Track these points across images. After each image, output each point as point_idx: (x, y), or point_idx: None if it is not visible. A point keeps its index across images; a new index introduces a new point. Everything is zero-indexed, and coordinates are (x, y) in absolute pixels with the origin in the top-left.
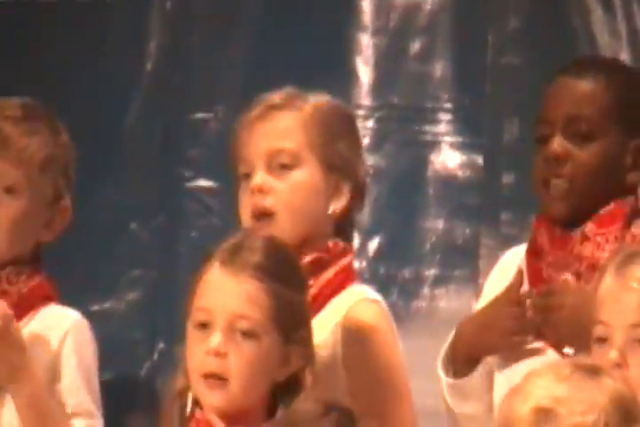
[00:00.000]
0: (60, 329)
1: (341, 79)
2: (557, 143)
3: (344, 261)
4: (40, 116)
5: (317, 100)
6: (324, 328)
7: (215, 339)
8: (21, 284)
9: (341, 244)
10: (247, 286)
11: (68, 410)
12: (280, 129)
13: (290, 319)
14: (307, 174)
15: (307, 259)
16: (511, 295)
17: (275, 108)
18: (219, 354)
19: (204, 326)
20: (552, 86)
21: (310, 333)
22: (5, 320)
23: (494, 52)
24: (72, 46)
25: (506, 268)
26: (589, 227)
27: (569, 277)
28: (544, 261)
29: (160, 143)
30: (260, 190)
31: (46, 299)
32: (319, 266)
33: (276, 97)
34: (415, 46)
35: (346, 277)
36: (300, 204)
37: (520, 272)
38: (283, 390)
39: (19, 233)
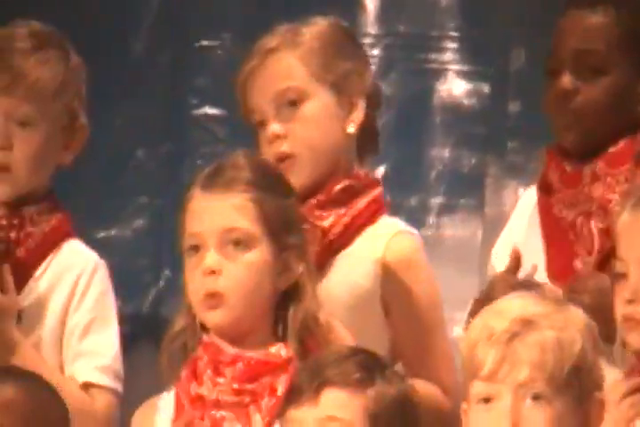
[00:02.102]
0: (77, 270)
1: (348, 7)
2: (566, 79)
3: (375, 192)
4: (49, 43)
5: (309, 29)
6: (361, 260)
7: (209, 258)
8: (44, 223)
9: (371, 173)
10: (231, 199)
11: (77, 347)
12: (281, 70)
13: (281, 225)
14: (318, 104)
15: (337, 187)
16: (509, 278)
17: (271, 51)
18: (214, 272)
19: (196, 249)
20: (562, 20)
21: (305, 238)
22: None
23: None
24: None
25: (526, 207)
26: (599, 166)
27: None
28: (554, 197)
29: (167, 71)
30: (278, 137)
31: (67, 235)
32: (350, 194)
33: (270, 40)
34: None
35: (378, 208)
36: (319, 135)
37: (516, 252)
38: (286, 299)
39: (37, 165)
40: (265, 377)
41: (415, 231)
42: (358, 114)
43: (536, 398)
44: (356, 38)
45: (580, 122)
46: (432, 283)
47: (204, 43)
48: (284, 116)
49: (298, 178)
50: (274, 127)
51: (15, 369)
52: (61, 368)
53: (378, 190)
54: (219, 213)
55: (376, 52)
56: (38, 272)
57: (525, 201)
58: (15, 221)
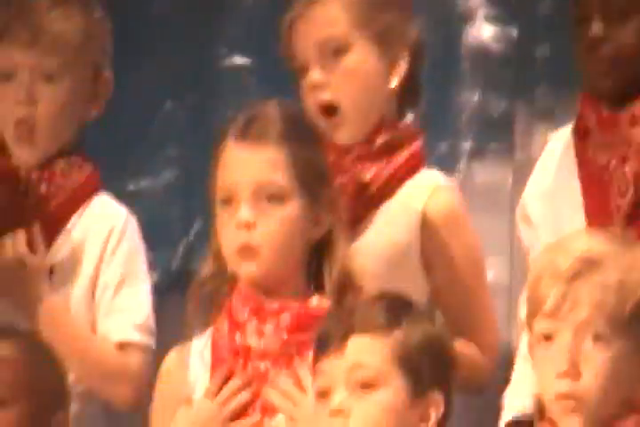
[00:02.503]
0: (108, 225)
1: None
2: (596, 26)
3: (416, 144)
4: None
5: None
6: (401, 214)
7: (243, 211)
8: (74, 177)
9: (413, 126)
10: (266, 151)
11: (109, 304)
12: (324, 19)
13: (314, 179)
14: (360, 55)
15: (379, 140)
16: None
17: (313, 1)
18: (248, 225)
19: (229, 202)
20: None
21: (336, 191)
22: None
23: None
24: None
25: (553, 151)
26: (639, 107)
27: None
28: (591, 141)
29: (195, 21)
30: (320, 86)
31: (96, 189)
32: (391, 147)
33: None
34: None
35: (419, 161)
36: (361, 86)
37: None
38: (318, 252)
39: (63, 120)
40: (311, 328)
41: (452, 183)
42: (401, 67)
43: (596, 338)
44: None
45: (615, 68)
46: (473, 238)
47: None
48: (326, 64)
49: (343, 132)
50: (315, 74)
51: (12, 328)
52: (92, 323)
53: (419, 142)
54: (253, 167)
55: None
56: (69, 226)
57: (553, 145)
58: (45, 175)
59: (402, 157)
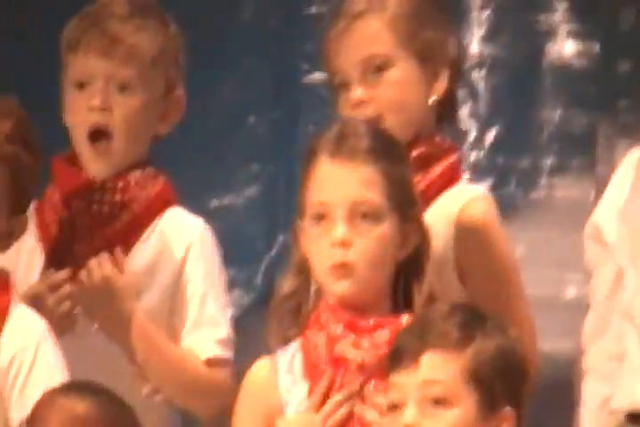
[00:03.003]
0: (186, 238)
1: None
2: None
3: (451, 159)
4: (147, 10)
5: None
6: (435, 224)
7: (340, 229)
8: (149, 188)
9: (448, 140)
10: (361, 170)
11: (193, 318)
12: (368, 36)
13: (405, 198)
14: (402, 71)
15: (414, 153)
16: None
17: (357, 16)
18: (345, 243)
19: (322, 218)
20: None
21: (421, 210)
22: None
23: None
24: None
25: (629, 167)
26: None
27: None
28: None
29: (277, 36)
30: (362, 102)
31: (170, 202)
32: (426, 161)
33: (356, 4)
34: None
35: (454, 175)
36: (403, 101)
37: None
38: (404, 271)
39: (138, 130)
40: None
41: (489, 195)
42: (441, 84)
43: None
44: (440, 5)
45: None
46: (507, 246)
47: (314, 9)
48: (369, 81)
49: None
50: (358, 92)
51: (92, 384)
52: (172, 338)
53: (454, 156)
54: (348, 185)
55: (486, 13)
56: (143, 238)
57: (630, 160)
58: (120, 185)
59: (437, 169)
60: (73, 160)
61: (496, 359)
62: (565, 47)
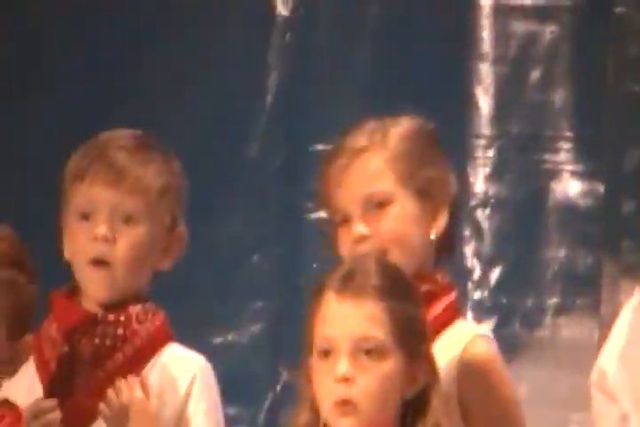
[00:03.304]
0: (187, 373)
1: (461, 108)
2: None
3: (451, 297)
4: (153, 146)
5: (397, 131)
6: (439, 364)
7: (342, 365)
8: (149, 323)
9: (447, 277)
10: (366, 307)
11: None
12: (368, 173)
13: (412, 335)
14: (403, 208)
15: None
16: None
17: (358, 152)
18: (347, 380)
19: (328, 354)
20: None
21: (431, 348)
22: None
23: (614, 79)
24: (191, 82)
25: (632, 310)
26: None
27: None
28: None
29: (281, 174)
30: (364, 237)
31: (169, 338)
32: (428, 299)
33: (357, 140)
34: (534, 75)
35: (453, 313)
36: (405, 236)
37: None
38: (411, 409)
39: (140, 262)
40: None
41: (489, 334)
42: (441, 221)
43: None
44: (439, 143)
45: None
46: (509, 386)
47: (319, 147)
48: (370, 216)
49: None
50: (360, 228)
51: None
52: None
53: (453, 295)
54: (353, 321)
55: (490, 153)
56: (145, 372)
57: (630, 305)
58: (122, 318)
59: (437, 309)
60: (71, 295)
61: None
62: (570, 187)
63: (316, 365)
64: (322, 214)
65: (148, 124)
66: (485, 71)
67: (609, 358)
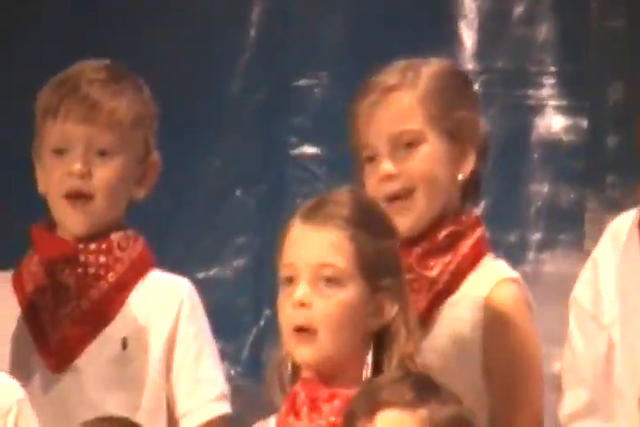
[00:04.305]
0: (173, 296)
1: (445, 44)
2: None
3: (477, 233)
4: (124, 76)
5: (429, 71)
6: (464, 306)
7: (299, 290)
8: (130, 250)
9: (474, 215)
10: (329, 235)
11: (191, 377)
12: (399, 111)
13: (376, 266)
14: (432, 148)
15: (442, 233)
16: None
17: (390, 90)
18: (303, 305)
19: (290, 281)
20: None
21: (402, 281)
22: None
23: (597, 15)
24: (173, 16)
25: (615, 237)
26: None
27: None
28: None
29: (264, 110)
30: (391, 177)
31: (151, 265)
32: (454, 239)
33: (389, 77)
34: (518, 10)
35: (481, 250)
36: (432, 176)
37: None
38: (379, 342)
39: (117, 194)
40: None
41: (518, 276)
42: (468, 163)
43: None
44: (472, 86)
45: None
46: (532, 331)
47: (302, 82)
48: (398, 156)
49: (411, 218)
50: (387, 166)
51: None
52: (169, 394)
53: (480, 231)
54: (314, 247)
55: (474, 88)
56: (129, 299)
57: (610, 235)
58: (104, 246)
59: (464, 248)
60: (51, 228)
61: (450, 423)
62: (553, 122)
63: (280, 291)
64: (306, 149)
65: (131, 56)
66: (469, 6)
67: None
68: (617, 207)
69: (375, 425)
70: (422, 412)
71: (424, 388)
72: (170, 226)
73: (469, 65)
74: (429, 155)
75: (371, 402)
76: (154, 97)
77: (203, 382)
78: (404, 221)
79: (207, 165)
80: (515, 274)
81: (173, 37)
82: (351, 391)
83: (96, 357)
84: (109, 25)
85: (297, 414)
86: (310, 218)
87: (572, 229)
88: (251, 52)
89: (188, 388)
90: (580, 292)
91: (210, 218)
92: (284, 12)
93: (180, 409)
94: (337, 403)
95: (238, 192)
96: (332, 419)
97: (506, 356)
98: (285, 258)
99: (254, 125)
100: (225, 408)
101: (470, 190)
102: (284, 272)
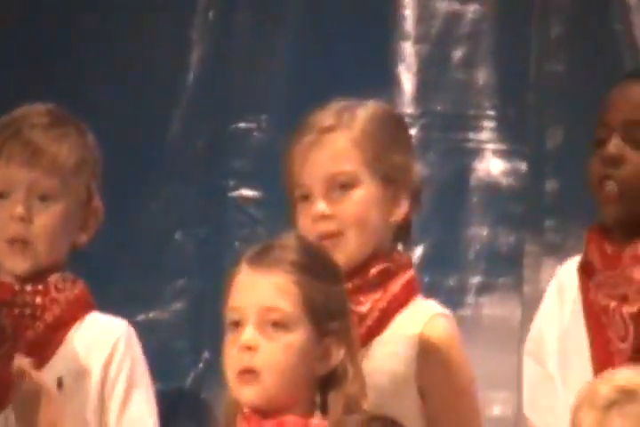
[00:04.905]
0: (111, 335)
1: (384, 87)
2: (613, 144)
3: (408, 274)
4: (66, 120)
5: (365, 113)
6: (397, 343)
7: (246, 334)
8: (67, 291)
9: (405, 255)
10: (276, 278)
11: (122, 417)
12: (334, 152)
13: (323, 310)
14: (367, 192)
15: (373, 270)
16: None
17: (326, 131)
18: (250, 348)
19: (236, 325)
20: (613, 91)
21: (349, 324)
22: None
23: (537, 59)
24: (113, 57)
25: (564, 284)
26: None
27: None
28: (594, 280)
29: (203, 153)
30: (324, 216)
31: (89, 307)
32: (386, 277)
33: (325, 118)
34: (458, 54)
35: (411, 290)
36: (365, 220)
37: None
38: (326, 387)
39: (58, 239)
40: None
41: (448, 312)
42: (402, 207)
43: None
44: (407, 129)
45: (625, 193)
46: (468, 368)
47: (241, 125)
48: (333, 197)
49: (342, 255)
50: (321, 206)
51: None
52: None
53: (411, 271)
54: (261, 291)
55: (413, 131)
56: (66, 340)
57: (562, 278)
58: (40, 287)
59: (395, 286)
60: None
61: None
62: (493, 166)
63: (227, 336)
64: (244, 193)
65: (74, 99)
66: (408, 50)
67: (548, 335)
68: (556, 251)
69: None
70: None
71: None
72: (110, 268)
73: (408, 108)
74: (362, 198)
75: None
76: (95, 141)
77: (131, 422)
78: (337, 257)
79: (146, 210)
80: (446, 311)
81: (115, 80)
82: (298, 418)
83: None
84: (52, 67)
85: None
86: (257, 263)
87: (511, 273)
88: (190, 95)
89: (114, 423)
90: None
91: (150, 261)
92: (222, 56)
93: None
94: None
95: (178, 235)
96: None
97: (444, 389)
98: (232, 302)
99: (193, 168)
100: None
101: (402, 233)
102: (230, 316)
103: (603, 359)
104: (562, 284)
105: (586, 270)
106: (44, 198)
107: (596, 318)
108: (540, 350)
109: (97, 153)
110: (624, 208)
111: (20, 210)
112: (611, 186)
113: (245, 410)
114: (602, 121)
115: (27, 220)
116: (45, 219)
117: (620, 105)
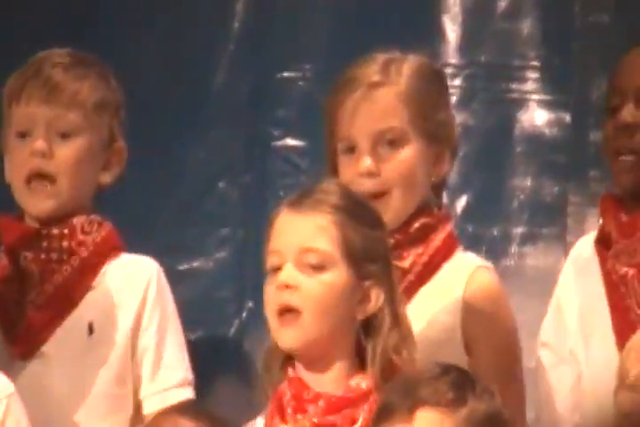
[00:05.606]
0: (141, 279)
1: (429, 37)
2: (628, 112)
3: (448, 227)
4: (88, 62)
5: (410, 68)
6: (441, 297)
7: (284, 273)
8: (95, 234)
9: (444, 209)
10: (315, 219)
11: (153, 363)
12: (384, 107)
13: (361, 252)
14: (413, 150)
15: (415, 225)
16: None
17: (374, 86)
18: (289, 287)
19: (277, 269)
20: (625, 58)
21: (389, 270)
22: None
23: (582, 9)
24: (159, 6)
25: (579, 261)
26: None
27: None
28: (612, 249)
29: (248, 102)
30: (370, 173)
31: (118, 249)
32: (427, 231)
33: (372, 73)
34: (502, 4)
35: (453, 244)
36: (410, 180)
37: None
38: (365, 331)
39: (80, 174)
40: (345, 409)
41: (490, 264)
42: (444, 166)
43: None
44: (447, 84)
45: (639, 162)
46: (512, 320)
47: (286, 74)
48: (380, 154)
49: (387, 215)
50: (368, 163)
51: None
52: (135, 377)
53: (451, 224)
54: (300, 232)
55: (457, 82)
56: (95, 283)
57: (572, 260)
58: (66, 231)
59: (437, 240)
60: (19, 219)
61: (487, 421)
62: (537, 116)
63: (267, 278)
64: (289, 142)
65: (114, 51)
66: (453, 0)
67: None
68: (599, 202)
69: (414, 423)
70: (461, 412)
71: (462, 386)
72: (153, 218)
73: (453, 59)
74: (410, 158)
75: (408, 399)
76: (140, 89)
77: (164, 367)
78: (383, 216)
79: (191, 155)
80: (488, 263)
81: (159, 28)
82: (336, 390)
83: (63, 342)
84: (95, 18)
85: (283, 416)
86: (297, 205)
87: (555, 223)
88: (235, 43)
89: (150, 372)
90: (546, 336)
91: (193, 210)
92: (268, 4)
93: (142, 392)
94: (321, 404)
95: (222, 184)
96: (316, 420)
97: (490, 340)
98: (272, 245)
99: (238, 116)
100: (186, 394)
101: (438, 189)
102: (270, 261)
103: (624, 328)
104: (577, 261)
105: (603, 241)
106: (64, 136)
107: (614, 288)
108: (557, 336)
109: (120, 96)
110: (638, 177)
111: (40, 143)
112: (625, 155)
113: (290, 372)
114: (614, 88)
115: (48, 154)
116: (67, 152)
117: (634, 72)
